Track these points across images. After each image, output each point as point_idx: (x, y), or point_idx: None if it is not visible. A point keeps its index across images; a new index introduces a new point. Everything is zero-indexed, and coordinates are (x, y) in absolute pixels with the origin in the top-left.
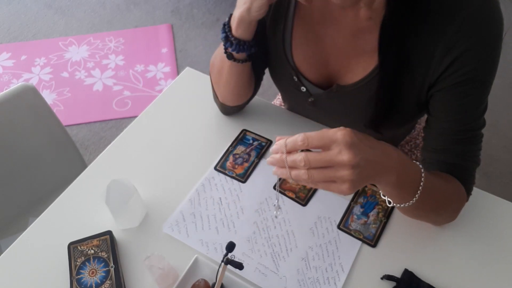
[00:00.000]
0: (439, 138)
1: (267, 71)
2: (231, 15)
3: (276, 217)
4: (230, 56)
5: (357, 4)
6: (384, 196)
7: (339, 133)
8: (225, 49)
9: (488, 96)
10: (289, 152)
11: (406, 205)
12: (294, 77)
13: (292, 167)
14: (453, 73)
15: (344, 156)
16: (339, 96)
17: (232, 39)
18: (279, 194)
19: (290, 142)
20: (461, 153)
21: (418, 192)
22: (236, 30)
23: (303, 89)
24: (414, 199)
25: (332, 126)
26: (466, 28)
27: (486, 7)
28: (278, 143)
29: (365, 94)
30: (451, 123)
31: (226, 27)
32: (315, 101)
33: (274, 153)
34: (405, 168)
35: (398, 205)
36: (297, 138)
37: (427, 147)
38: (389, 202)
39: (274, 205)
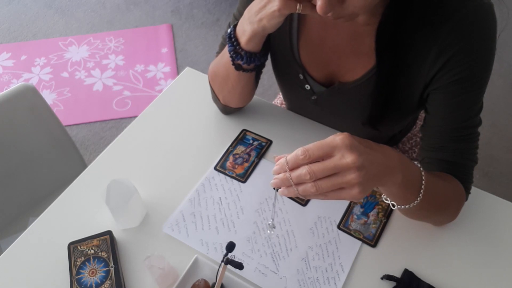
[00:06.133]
0: (436, 136)
1: (265, 70)
2: (234, 26)
3: (269, 236)
4: (238, 67)
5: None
6: (387, 200)
7: (337, 138)
8: (234, 61)
9: (488, 96)
10: (291, 169)
11: (410, 206)
12: (300, 75)
13: (298, 183)
14: (448, 72)
15: (348, 158)
16: (340, 93)
17: (243, 52)
18: (275, 211)
19: (291, 159)
20: (458, 151)
21: (421, 191)
22: (247, 44)
23: (307, 87)
24: (418, 199)
25: (331, 124)
26: (460, 29)
27: (480, 9)
28: (279, 163)
29: (363, 91)
30: (447, 120)
31: (234, 41)
32: (317, 99)
33: (276, 174)
34: (407, 167)
35: (401, 206)
36: (297, 153)
37: (425, 146)
38: (393, 205)
39: (269, 224)
